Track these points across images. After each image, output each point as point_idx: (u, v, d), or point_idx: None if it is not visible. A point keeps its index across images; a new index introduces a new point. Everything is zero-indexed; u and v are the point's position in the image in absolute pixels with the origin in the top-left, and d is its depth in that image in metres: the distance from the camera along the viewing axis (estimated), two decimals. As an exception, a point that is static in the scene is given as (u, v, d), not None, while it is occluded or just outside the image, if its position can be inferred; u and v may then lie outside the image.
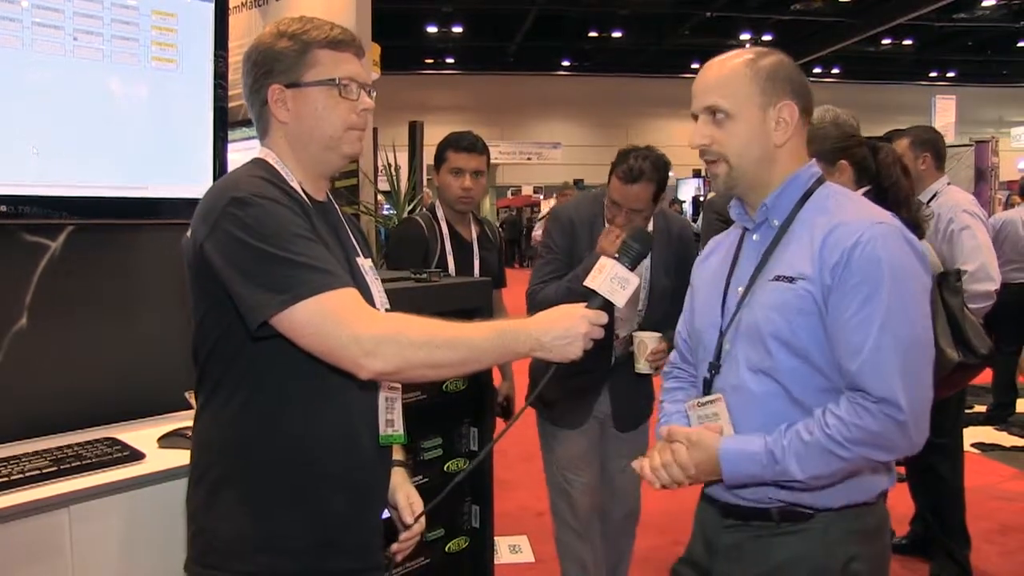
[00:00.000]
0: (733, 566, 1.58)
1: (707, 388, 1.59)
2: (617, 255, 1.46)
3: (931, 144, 3.55)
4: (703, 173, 13.75)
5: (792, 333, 1.46)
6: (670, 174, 2.63)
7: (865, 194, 2.42)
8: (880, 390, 1.38)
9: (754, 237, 1.60)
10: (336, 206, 1.59)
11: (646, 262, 2.55)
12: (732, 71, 1.53)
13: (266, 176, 1.41)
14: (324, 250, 1.38)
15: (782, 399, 1.48)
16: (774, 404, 1.49)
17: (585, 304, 1.42)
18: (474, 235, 3.00)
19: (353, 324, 1.30)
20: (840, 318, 1.42)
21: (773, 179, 1.55)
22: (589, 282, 1.44)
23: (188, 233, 1.40)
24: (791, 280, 1.47)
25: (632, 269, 1.45)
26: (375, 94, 1.53)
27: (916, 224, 2.44)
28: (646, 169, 2.48)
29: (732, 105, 1.51)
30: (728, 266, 1.64)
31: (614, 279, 1.43)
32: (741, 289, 1.57)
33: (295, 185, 1.45)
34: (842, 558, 1.49)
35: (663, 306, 2.65)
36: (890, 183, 2.43)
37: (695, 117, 1.57)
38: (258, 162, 1.48)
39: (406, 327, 1.33)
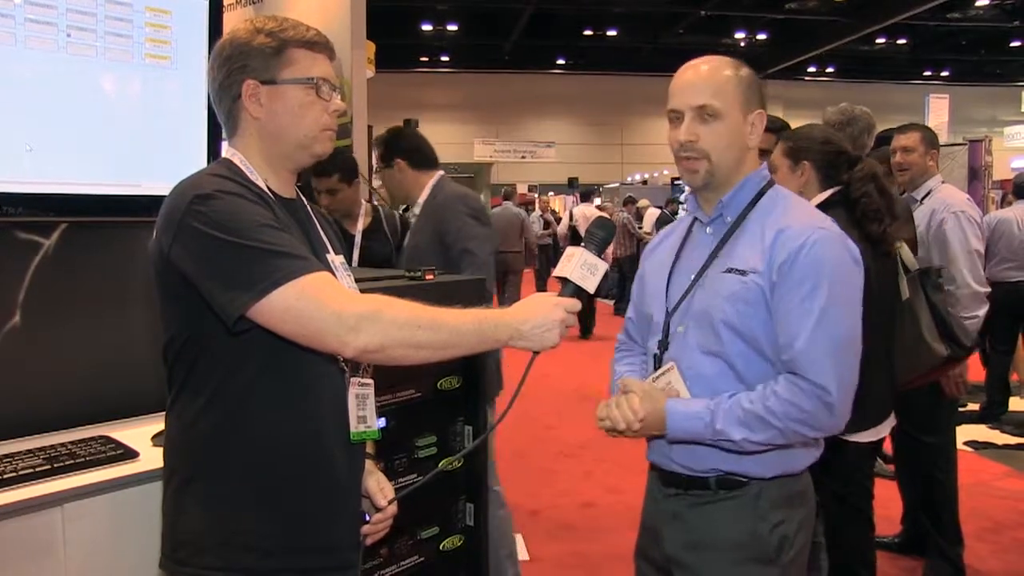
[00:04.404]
0: (676, 531, 1.71)
1: (657, 364, 1.73)
2: (584, 243, 1.50)
3: (937, 142, 3.60)
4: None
5: (740, 321, 1.61)
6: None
7: (831, 196, 2.46)
8: (814, 374, 1.54)
9: (708, 230, 1.73)
10: (306, 203, 1.58)
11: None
12: (723, 75, 1.65)
13: (227, 175, 1.41)
14: (292, 238, 1.37)
15: (730, 379, 1.63)
16: (722, 383, 1.63)
17: (558, 292, 1.45)
18: (359, 227, 3.52)
19: (333, 303, 1.30)
20: (783, 310, 1.58)
21: (738, 178, 1.69)
22: (560, 271, 1.48)
23: (154, 236, 1.39)
24: (743, 273, 1.61)
25: (599, 256, 1.49)
26: (342, 98, 1.54)
27: (883, 240, 2.44)
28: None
29: (722, 106, 1.63)
30: (674, 255, 1.78)
31: (584, 266, 1.47)
32: (692, 276, 1.69)
33: (259, 183, 1.44)
34: (772, 521, 1.64)
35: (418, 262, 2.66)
36: (859, 195, 2.44)
37: (675, 115, 1.67)
38: (222, 162, 1.48)
39: (387, 306, 1.33)
